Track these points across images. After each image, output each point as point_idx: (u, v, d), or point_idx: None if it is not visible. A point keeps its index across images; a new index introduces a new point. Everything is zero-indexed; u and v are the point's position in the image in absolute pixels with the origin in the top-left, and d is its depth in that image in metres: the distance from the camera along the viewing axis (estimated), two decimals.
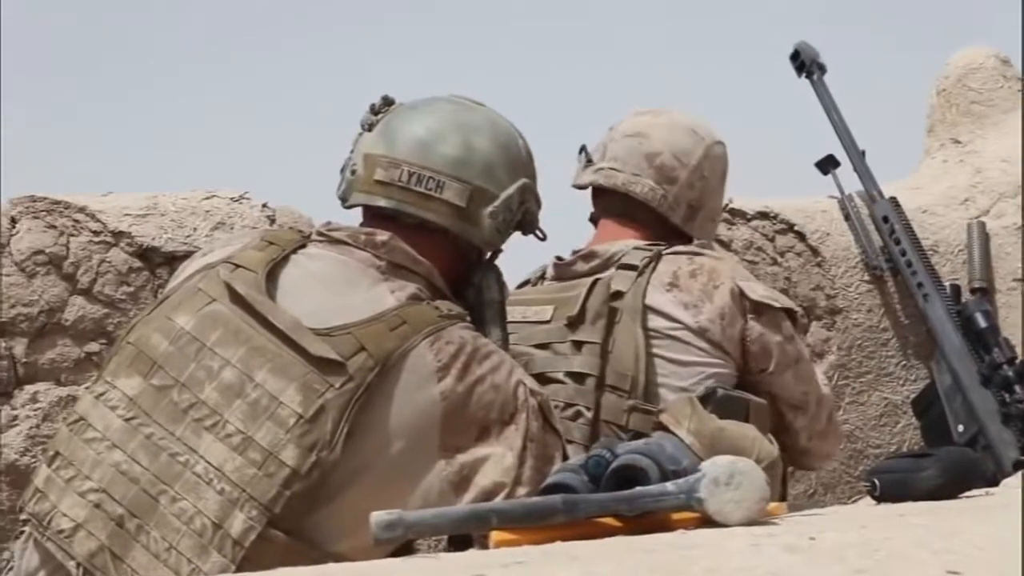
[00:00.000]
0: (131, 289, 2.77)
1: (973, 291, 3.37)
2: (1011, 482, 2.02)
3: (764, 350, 2.42)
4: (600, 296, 2.37)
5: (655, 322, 2.37)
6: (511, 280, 2.29)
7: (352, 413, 1.81)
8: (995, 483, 2.02)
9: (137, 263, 2.77)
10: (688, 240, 2.55)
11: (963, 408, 3.09)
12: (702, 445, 2.24)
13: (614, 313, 2.36)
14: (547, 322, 2.41)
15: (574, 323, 2.37)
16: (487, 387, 1.90)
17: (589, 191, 2.63)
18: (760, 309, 2.42)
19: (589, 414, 2.32)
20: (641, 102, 2.67)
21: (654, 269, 2.41)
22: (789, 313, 2.49)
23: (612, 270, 2.43)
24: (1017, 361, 3.07)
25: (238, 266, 1.94)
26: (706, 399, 2.33)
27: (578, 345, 2.36)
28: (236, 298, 1.90)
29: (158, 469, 1.82)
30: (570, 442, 2.26)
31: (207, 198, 2.87)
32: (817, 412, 2.50)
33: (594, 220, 2.63)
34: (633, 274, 2.40)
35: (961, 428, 3.08)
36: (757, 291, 2.44)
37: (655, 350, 2.36)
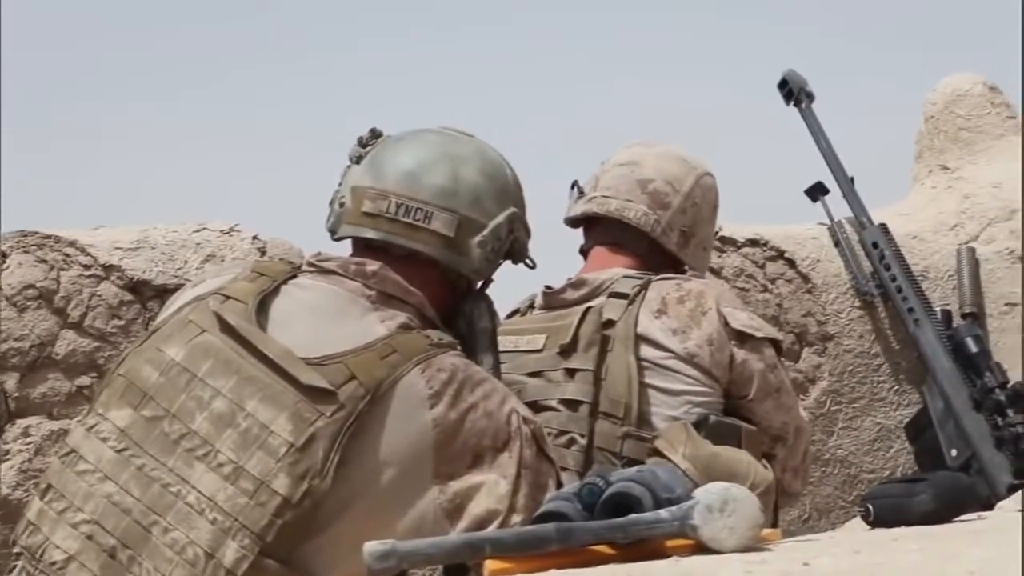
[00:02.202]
0: (122, 322, 2.76)
1: (964, 316, 3.38)
2: (1005, 506, 2.02)
3: (746, 377, 2.43)
4: (592, 324, 2.38)
5: (646, 351, 2.38)
6: (502, 308, 2.29)
7: (343, 441, 1.81)
8: (989, 507, 2.02)
9: (128, 296, 2.77)
10: (680, 269, 2.56)
11: (956, 433, 3.09)
12: (697, 470, 2.24)
13: (606, 341, 2.37)
14: (539, 351, 2.41)
15: (567, 351, 2.38)
16: (480, 414, 1.90)
17: (578, 227, 2.65)
18: (743, 337, 2.43)
19: (583, 441, 2.32)
20: (631, 131, 2.70)
21: (644, 297, 2.41)
22: (772, 342, 2.49)
23: (603, 298, 2.43)
24: (1009, 385, 3.07)
25: (228, 297, 1.94)
26: (699, 425, 2.34)
27: (571, 373, 2.36)
28: (226, 328, 1.90)
29: (150, 500, 1.82)
30: (564, 469, 2.25)
31: (197, 231, 2.87)
32: (795, 445, 2.50)
33: (584, 253, 2.63)
34: (624, 302, 2.40)
35: (954, 452, 3.08)
36: (740, 319, 2.44)
37: (646, 379, 2.36)
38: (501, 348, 2.35)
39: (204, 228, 2.88)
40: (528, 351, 2.42)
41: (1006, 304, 3.48)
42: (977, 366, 3.13)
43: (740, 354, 2.42)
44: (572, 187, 2.64)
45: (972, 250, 3.47)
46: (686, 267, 2.58)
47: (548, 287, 2.55)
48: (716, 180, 2.63)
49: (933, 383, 3.17)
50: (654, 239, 2.53)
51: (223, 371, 1.87)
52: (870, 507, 1.87)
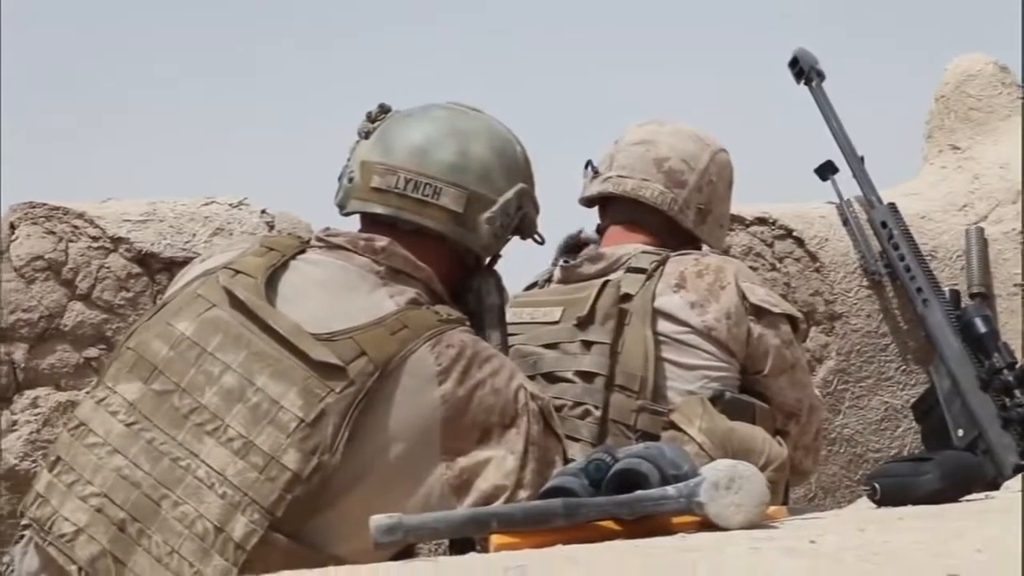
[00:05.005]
0: (130, 295, 2.77)
1: (972, 296, 3.37)
2: (1011, 486, 2.02)
3: (761, 352, 2.43)
4: (610, 297, 2.39)
5: (663, 326, 2.38)
6: (511, 285, 2.29)
7: (353, 417, 1.82)
8: (995, 487, 2.02)
9: (136, 269, 2.77)
10: (697, 246, 2.56)
11: (963, 412, 3.09)
12: (713, 444, 2.25)
13: (624, 315, 2.37)
14: (556, 323, 2.42)
15: (583, 323, 2.38)
16: (488, 391, 1.91)
17: (594, 207, 2.65)
18: (760, 312, 2.43)
19: (598, 413, 2.32)
20: (641, 109, 2.70)
21: (662, 272, 2.42)
22: (789, 318, 2.49)
23: (621, 272, 2.44)
24: (1017, 366, 3.07)
25: (238, 272, 1.94)
26: (714, 401, 2.34)
27: (587, 345, 2.37)
28: (236, 303, 1.90)
29: (159, 474, 1.82)
30: (578, 440, 2.27)
31: (206, 204, 2.87)
32: (808, 423, 2.50)
33: (600, 232, 2.63)
34: (642, 277, 2.41)
35: (961, 432, 3.07)
36: (758, 294, 2.45)
37: (662, 354, 2.37)
38: (518, 320, 2.36)
39: (213, 202, 2.88)
40: (544, 323, 2.43)
41: (1015, 285, 3.48)
42: (985, 346, 3.12)
43: (757, 329, 2.43)
44: (586, 167, 2.65)
45: (981, 230, 3.47)
46: (702, 244, 2.59)
47: (566, 260, 2.55)
48: (730, 157, 2.64)
49: (941, 363, 3.17)
50: (671, 217, 2.54)
51: (233, 346, 1.87)
52: (876, 486, 1.88)
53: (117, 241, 2.77)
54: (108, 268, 2.76)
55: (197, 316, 1.91)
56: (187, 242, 2.79)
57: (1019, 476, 1.91)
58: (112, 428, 1.86)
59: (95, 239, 2.76)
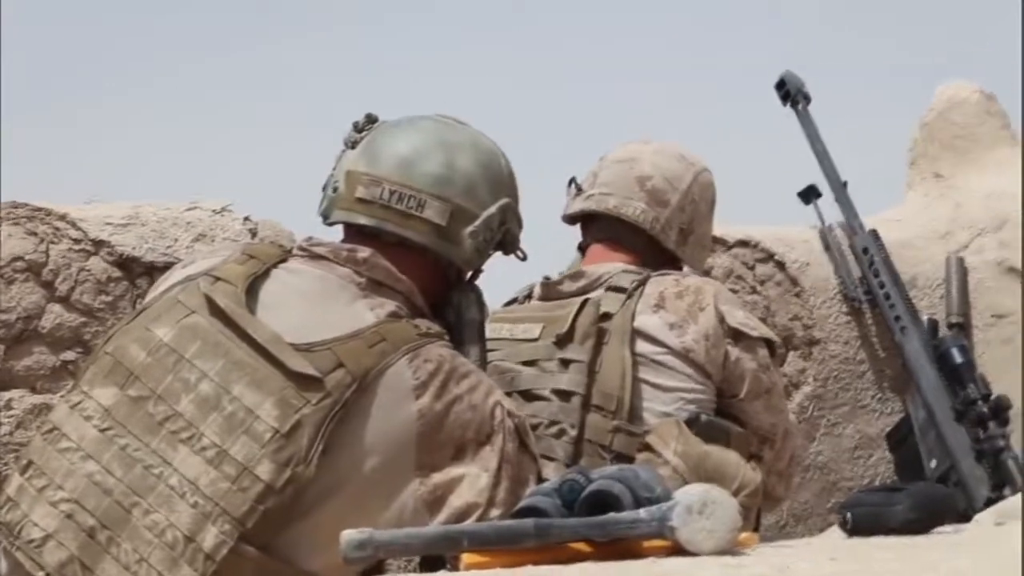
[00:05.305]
0: (109, 298, 2.76)
1: (950, 326, 3.37)
2: (982, 519, 2.02)
3: (738, 375, 2.44)
4: (589, 316, 2.39)
5: (641, 346, 2.39)
6: (491, 300, 2.29)
7: (328, 429, 1.82)
8: (967, 519, 2.02)
9: (117, 272, 2.76)
10: (678, 266, 2.57)
11: (936, 443, 3.09)
12: (688, 467, 2.25)
13: (603, 334, 2.38)
14: (535, 340, 2.42)
15: (562, 341, 2.39)
16: (464, 407, 1.91)
17: (576, 224, 2.65)
18: (738, 335, 2.44)
19: (573, 432, 2.33)
20: (627, 128, 2.71)
21: (642, 292, 2.42)
22: (767, 342, 2.50)
23: (601, 291, 2.44)
24: (991, 398, 3.08)
25: (219, 279, 1.94)
26: (690, 423, 2.34)
27: (565, 363, 2.37)
28: (216, 311, 1.90)
29: (132, 481, 1.82)
30: (552, 460, 2.27)
31: (189, 209, 2.87)
32: (782, 448, 2.51)
33: (582, 249, 2.64)
34: (622, 296, 2.42)
35: (934, 463, 3.08)
36: (737, 317, 2.45)
37: (640, 374, 2.37)
38: (497, 335, 2.36)
39: (196, 207, 2.87)
40: (523, 339, 2.43)
41: (992, 315, 3.49)
42: (961, 377, 3.12)
43: (734, 352, 2.43)
44: (570, 184, 2.65)
45: (961, 259, 3.47)
46: (683, 264, 2.59)
47: (547, 278, 2.55)
48: (713, 176, 2.64)
49: (917, 392, 3.17)
50: (652, 236, 2.54)
51: (211, 353, 1.87)
52: (848, 515, 1.88)
53: (98, 244, 2.75)
54: (88, 271, 2.75)
55: (176, 322, 1.90)
56: (169, 247, 2.78)
57: (990, 508, 1.91)
58: (85, 433, 1.85)
59: (77, 241, 2.75)
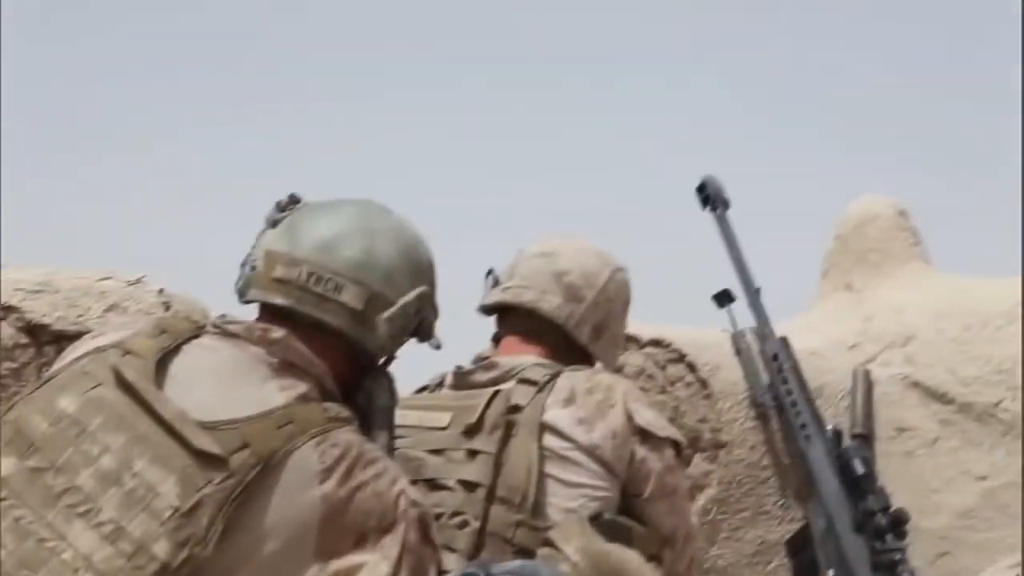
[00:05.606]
0: (15, 365, 2.72)
1: (854, 436, 3.42)
2: None
3: (643, 475, 2.45)
4: (499, 408, 2.40)
5: (549, 441, 2.40)
6: (403, 387, 2.29)
7: (229, 510, 1.80)
8: None
9: (24, 339, 2.73)
10: (591, 362, 2.59)
11: (835, 553, 3.11)
12: (588, 565, 2.25)
13: (511, 426, 2.39)
14: (444, 428, 2.42)
15: (471, 431, 2.39)
16: (368, 494, 1.90)
17: (492, 315, 2.67)
18: (645, 435, 2.46)
19: (476, 524, 2.32)
20: (547, 223, 2.74)
21: (553, 386, 2.44)
22: (674, 443, 2.52)
23: (512, 383, 2.45)
24: (890, 511, 3.11)
25: (128, 352, 1.92)
26: (592, 521, 2.35)
27: (472, 454, 2.37)
28: (123, 384, 1.88)
29: (23, 553, 1.78)
30: (453, 551, 2.26)
31: (103, 279, 2.84)
32: (682, 550, 2.52)
33: (496, 340, 2.65)
34: (533, 389, 2.43)
35: (831, 573, 3.10)
36: (645, 416, 2.47)
37: (546, 469, 2.38)
38: (406, 423, 2.36)
39: (110, 277, 2.85)
40: (432, 428, 2.43)
41: (895, 429, 3.54)
42: (862, 488, 3.16)
43: (640, 451, 2.45)
44: (487, 275, 2.67)
45: (868, 372, 3.53)
46: (596, 360, 2.62)
47: (459, 367, 2.56)
48: (629, 277, 2.69)
49: (818, 501, 3.20)
50: (566, 331, 2.57)
51: (115, 427, 1.85)
52: None
53: (8, 309, 2.72)
54: None
55: (82, 393, 1.88)
56: (80, 316, 2.75)
57: None
58: None
59: None
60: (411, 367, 2.34)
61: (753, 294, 3.47)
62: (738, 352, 3.46)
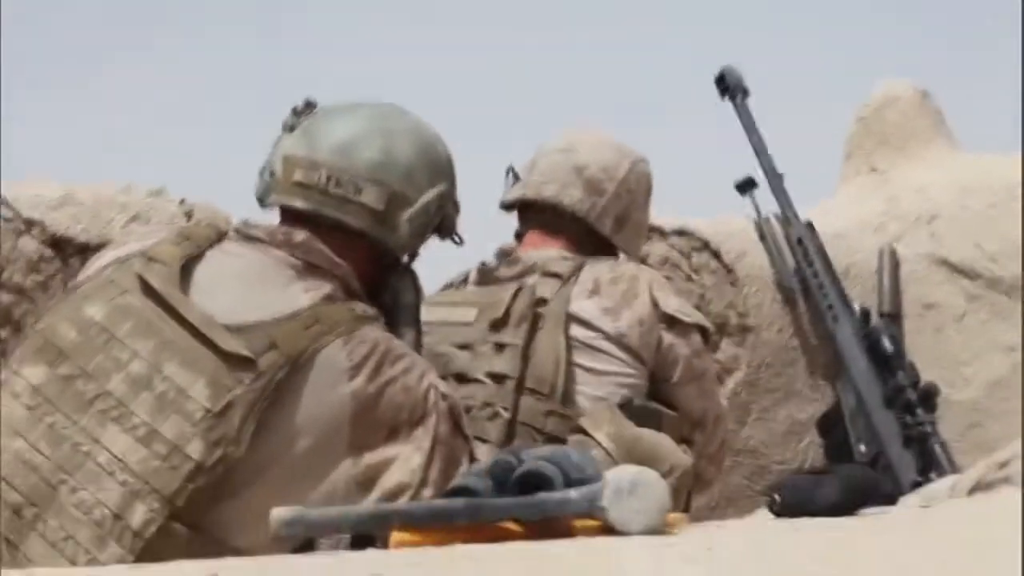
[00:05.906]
0: (41, 278, 2.74)
1: (882, 315, 3.42)
2: (908, 501, 2.06)
3: (671, 360, 2.47)
4: (525, 301, 2.41)
5: (576, 331, 2.42)
6: (428, 284, 2.30)
7: (260, 410, 1.82)
8: (893, 501, 2.06)
9: (49, 252, 2.74)
10: (614, 254, 2.60)
11: (866, 429, 3.14)
12: (620, 450, 2.28)
13: (538, 318, 2.40)
14: (470, 323, 2.44)
15: (497, 325, 2.41)
16: (398, 388, 1.91)
17: (514, 211, 2.67)
18: (672, 321, 2.48)
19: (507, 415, 2.35)
20: (568, 116, 2.73)
21: (577, 278, 2.45)
22: (700, 328, 2.53)
23: (537, 277, 2.46)
24: (919, 385, 3.13)
25: (152, 259, 1.93)
26: (622, 407, 2.37)
27: (500, 347, 2.39)
28: (149, 291, 1.89)
29: (59, 458, 1.81)
30: (485, 442, 2.29)
31: (124, 191, 2.85)
32: (713, 432, 2.55)
33: (519, 236, 2.65)
34: (558, 282, 2.44)
35: (863, 448, 3.12)
36: (671, 303, 2.49)
37: (574, 359, 2.40)
38: (433, 319, 2.37)
39: (130, 189, 2.85)
40: (459, 323, 2.45)
41: (923, 305, 3.54)
42: (891, 365, 3.17)
43: (668, 337, 2.47)
44: (508, 172, 2.67)
45: (894, 251, 3.52)
46: (619, 252, 2.62)
47: (483, 263, 2.57)
48: (649, 166, 2.68)
49: (847, 379, 3.22)
50: (588, 224, 2.57)
51: (143, 333, 1.86)
52: (776, 497, 1.90)
53: (31, 223, 2.73)
54: (20, 250, 2.72)
55: (109, 301, 1.90)
56: (103, 228, 2.76)
57: (916, 491, 1.95)
58: (14, 411, 1.84)
59: (8, 220, 2.73)
60: (435, 265, 2.35)
61: (776, 180, 3.46)
62: (762, 238, 3.45)
